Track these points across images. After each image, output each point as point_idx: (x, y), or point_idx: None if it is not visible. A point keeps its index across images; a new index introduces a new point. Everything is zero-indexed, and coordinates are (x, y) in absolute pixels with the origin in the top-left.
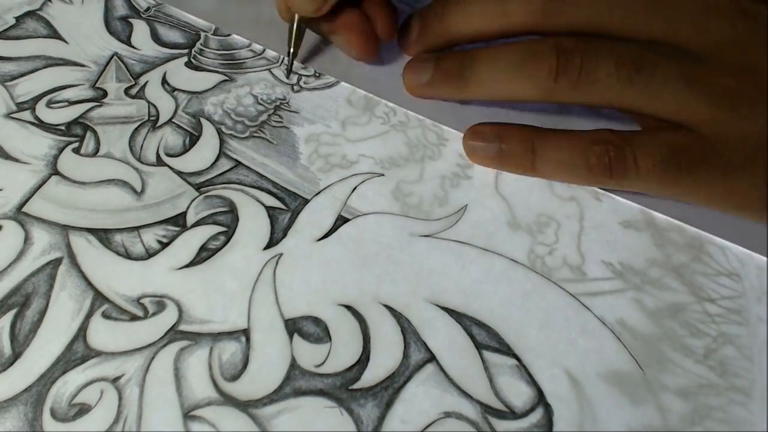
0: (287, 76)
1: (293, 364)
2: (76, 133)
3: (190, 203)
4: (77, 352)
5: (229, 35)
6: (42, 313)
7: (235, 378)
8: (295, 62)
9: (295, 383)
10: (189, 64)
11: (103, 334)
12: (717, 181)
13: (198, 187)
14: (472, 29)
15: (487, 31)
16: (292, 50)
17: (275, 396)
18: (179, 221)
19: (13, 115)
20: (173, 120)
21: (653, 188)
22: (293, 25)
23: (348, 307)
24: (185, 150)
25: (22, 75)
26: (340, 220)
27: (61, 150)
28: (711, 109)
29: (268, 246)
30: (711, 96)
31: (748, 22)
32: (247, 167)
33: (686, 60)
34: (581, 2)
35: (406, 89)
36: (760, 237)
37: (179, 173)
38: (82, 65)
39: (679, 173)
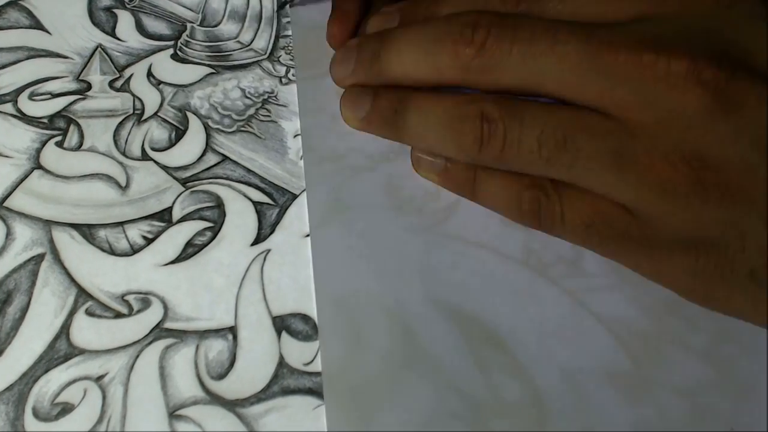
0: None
1: (281, 363)
2: (60, 126)
3: (176, 198)
4: (60, 350)
5: (216, 26)
6: (24, 311)
7: (221, 376)
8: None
9: (284, 382)
10: (175, 57)
11: (86, 331)
12: (641, 260)
13: (184, 182)
14: (406, 76)
15: (422, 80)
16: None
17: (263, 395)
18: (165, 216)
19: None
20: (159, 114)
21: (581, 245)
22: None
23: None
24: (171, 144)
25: (4, 66)
26: None
27: (43, 143)
28: (639, 199)
29: (256, 242)
30: (639, 186)
31: (703, 97)
32: (235, 162)
33: (620, 137)
34: (512, 60)
35: (345, 122)
36: None
37: (165, 168)
38: (66, 57)
39: (601, 242)
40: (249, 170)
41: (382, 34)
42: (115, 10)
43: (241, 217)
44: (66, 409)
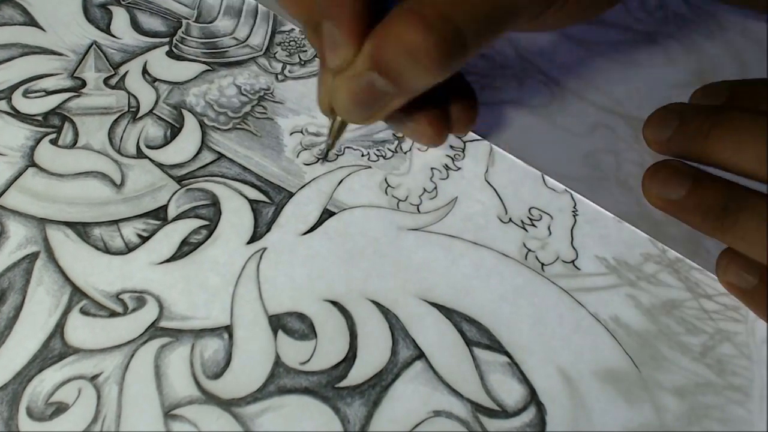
0: (321, 163)
1: (277, 362)
2: (54, 123)
3: (172, 196)
4: (54, 349)
5: (211, 22)
6: (18, 309)
7: (217, 376)
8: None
9: (280, 381)
10: (170, 54)
11: (81, 330)
12: None
13: (179, 180)
14: (737, 166)
15: (759, 174)
16: (330, 144)
17: (259, 394)
18: (160, 215)
19: None
20: (154, 111)
21: None
22: (335, 121)
23: (334, 303)
24: (166, 142)
25: None
26: (326, 214)
27: (38, 141)
28: None
29: (252, 240)
30: None
31: None
32: (230, 160)
33: None
34: None
35: (646, 197)
36: None
37: (160, 166)
38: (60, 54)
39: None
40: (245, 168)
41: (711, 111)
42: (110, 7)
43: (236, 216)
44: (60, 408)
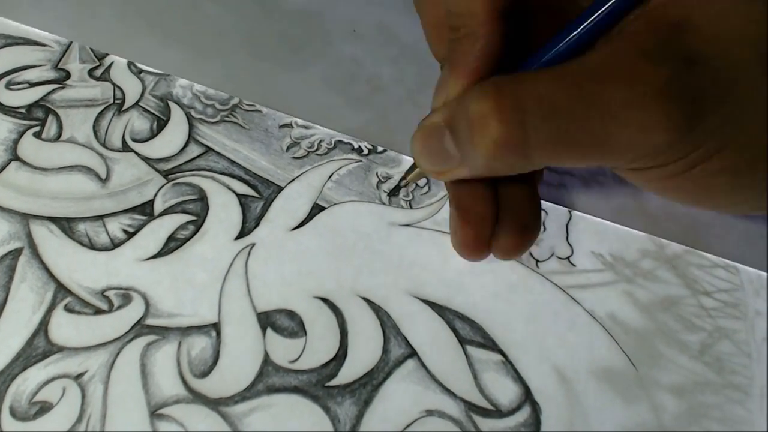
0: (388, 195)
1: (266, 360)
2: (38, 116)
3: (158, 191)
4: (38, 347)
5: None
6: (1, 307)
7: (204, 374)
8: None
9: (269, 380)
10: None
11: (65, 328)
12: None
13: (166, 174)
14: None
15: None
16: (400, 181)
17: (247, 393)
18: (146, 210)
19: None
20: (140, 103)
21: None
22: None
23: (324, 300)
24: (152, 135)
25: None
26: (316, 209)
27: (21, 134)
28: None
29: (240, 236)
30: None
31: None
32: (218, 153)
33: None
34: None
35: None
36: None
37: (146, 159)
38: (44, 45)
39: None
40: (233, 162)
41: None
42: None
43: (224, 210)
44: (44, 408)
